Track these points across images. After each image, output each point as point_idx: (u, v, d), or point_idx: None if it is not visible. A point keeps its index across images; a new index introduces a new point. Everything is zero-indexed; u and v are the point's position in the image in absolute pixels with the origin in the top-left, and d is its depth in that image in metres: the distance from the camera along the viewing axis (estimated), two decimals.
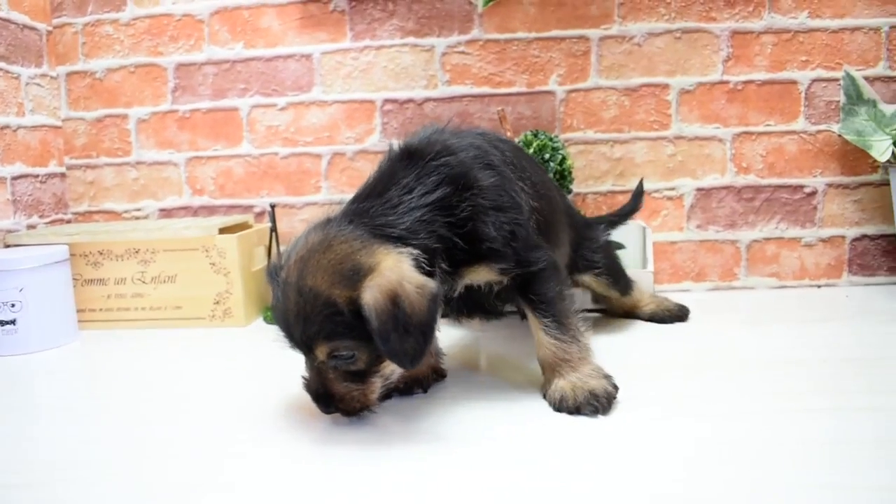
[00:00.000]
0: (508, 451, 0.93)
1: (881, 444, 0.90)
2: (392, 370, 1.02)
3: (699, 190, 1.88)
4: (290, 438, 1.01)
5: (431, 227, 1.01)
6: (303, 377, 1.02)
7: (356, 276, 0.93)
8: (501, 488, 0.82)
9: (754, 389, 1.12)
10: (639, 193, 1.65)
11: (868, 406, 1.04)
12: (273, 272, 1.02)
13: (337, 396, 1.00)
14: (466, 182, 1.04)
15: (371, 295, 0.91)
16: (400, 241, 0.98)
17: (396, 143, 1.11)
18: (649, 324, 1.58)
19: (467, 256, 1.04)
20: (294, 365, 1.37)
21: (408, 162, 1.06)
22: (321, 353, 0.96)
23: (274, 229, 1.76)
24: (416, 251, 0.97)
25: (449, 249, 1.03)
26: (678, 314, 1.59)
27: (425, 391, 1.18)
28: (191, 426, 1.08)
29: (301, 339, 0.97)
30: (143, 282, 1.74)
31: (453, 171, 1.04)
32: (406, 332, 0.91)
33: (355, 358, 0.97)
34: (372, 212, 1.01)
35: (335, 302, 0.92)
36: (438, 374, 1.23)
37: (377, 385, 1.02)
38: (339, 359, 0.97)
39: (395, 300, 0.91)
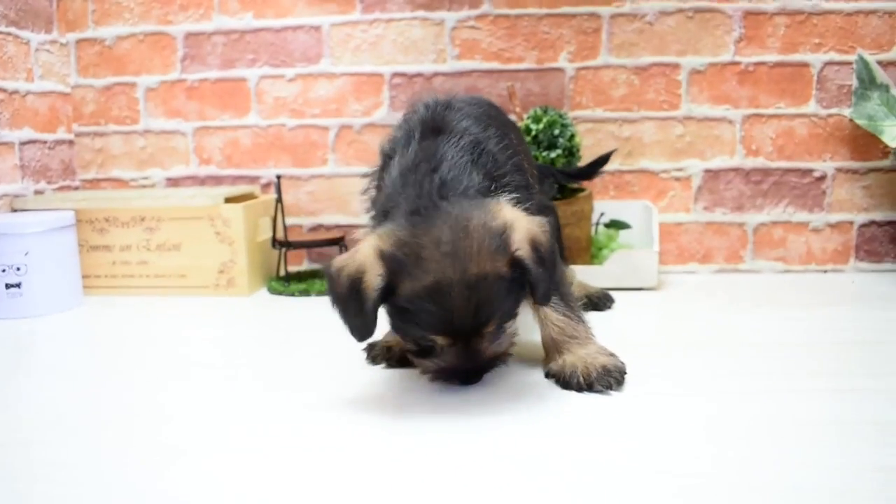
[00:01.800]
0: (529, 424, 0.93)
1: (883, 425, 0.90)
2: (515, 324, 1.05)
3: (707, 171, 1.87)
4: (288, 406, 1.02)
5: (487, 182, 1.05)
6: (437, 370, 1.01)
7: (501, 240, 0.95)
8: (524, 460, 0.83)
9: (757, 370, 1.12)
10: (601, 161, 1.64)
11: (870, 388, 1.03)
12: (384, 292, 0.95)
13: (489, 362, 1.01)
14: (501, 156, 1.11)
15: (524, 250, 0.95)
16: (489, 193, 1.03)
17: (416, 125, 1.11)
18: (649, 305, 1.57)
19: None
20: (296, 336, 1.38)
21: (436, 136, 1.08)
22: (490, 327, 0.97)
23: (279, 200, 1.76)
24: (509, 196, 1.03)
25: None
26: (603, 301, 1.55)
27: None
28: (189, 392, 1.09)
29: (472, 327, 0.95)
30: (148, 249, 1.74)
31: (473, 138, 1.08)
32: (546, 267, 0.98)
33: (506, 323, 1.01)
34: (450, 182, 1.01)
35: (501, 275, 0.94)
36: None
37: (510, 340, 1.04)
38: (499, 329, 0.99)
39: (534, 244, 0.97)
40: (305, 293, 1.70)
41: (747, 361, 1.16)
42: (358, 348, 1.27)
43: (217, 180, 1.99)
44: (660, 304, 1.58)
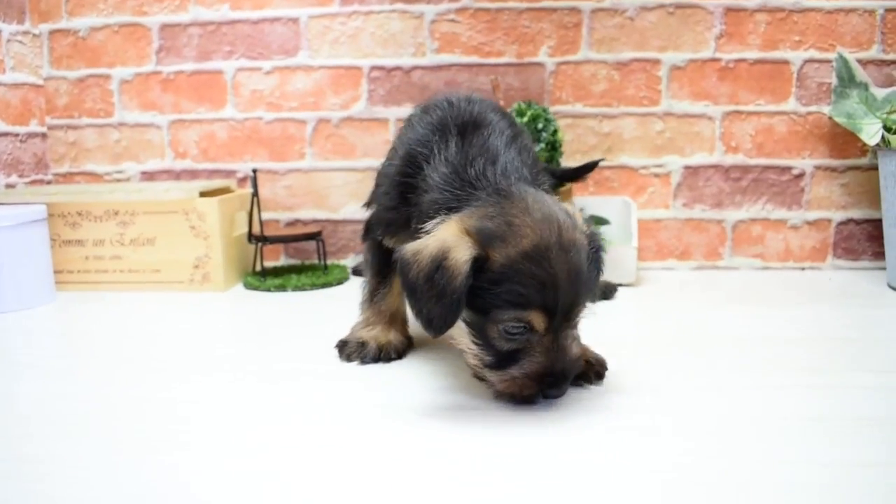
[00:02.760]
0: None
1: (860, 421, 0.90)
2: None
3: (687, 168, 1.86)
4: (265, 402, 1.00)
5: (531, 174, 1.04)
6: (508, 376, 0.91)
7: (574, 218, 0.94)
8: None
9: (737, 367, 1.12)
10: (589, 167, 1.59)
11: (849, 384, 1.04)
12: (474, 265, 0.87)
13: (575, 362, 0.93)
14: (533, 154, 1.13)
15: (590, 229, 0.96)
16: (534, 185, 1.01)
17: (448, 124, 1.07)
18: (628, 301, 1.57)
19: None
20: (272, 332, 1.37)
21: (481, 133, 1.05)
22: (581, 309, 0.92)
23: (255, 195, 1.74)
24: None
25: None
26: (610, 290, 1.62)
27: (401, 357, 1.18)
28: (164, 388, 1.06)
29: (571, 301, 0.89)
30: (122, 244, 1.72)
31: (509, 133, 1.07)
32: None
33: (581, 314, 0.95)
34: (511, 172, 0.99)
35: (585, 247, 0.92)
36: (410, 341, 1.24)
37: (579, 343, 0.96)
38: (579, 319, 0.94)
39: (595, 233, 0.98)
40: (282, 288, 1.68)
41: (726, 358, 1.16)
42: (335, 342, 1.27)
43: (193, 174, 1.96)
44: (638, 301, 1.57)
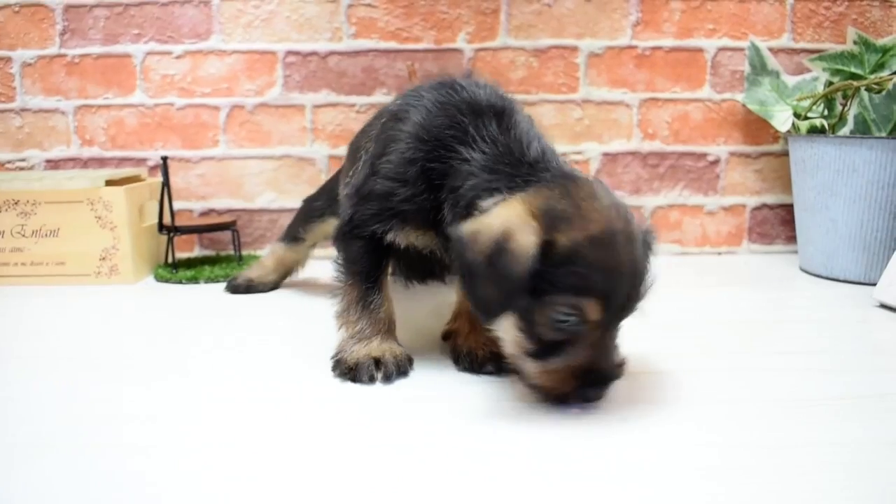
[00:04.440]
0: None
1: (777, 402, 0.92)
2: None
3: (606, 155, 1.87)
4: (173, 398, 0.96)
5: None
6: (546, 372, 0.86)
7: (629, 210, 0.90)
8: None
9: (655, 350, 1.13)
10: None
11: (765, 366, 1.06)
12: (541, 252, 0.81)
13: (617, 367, 0.89)
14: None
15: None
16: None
17: (481, 102, 0.99)
18: None
19: None
20: (186, 325, 1.32)
21: (516, 117, 0.99)
22: (633, 309, 0.88)
23: (166, 183, 1.67)
24: None
25: None
26: None
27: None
28: (66, 386, 1.01)
29: (632, 294, 0.86)
30: (24, 235, 1.63)
31: (528, 115, 1.04)
32: None
33: None
34: (549, 154, 0.94)
35: (642, 240, 0.89)
36: None
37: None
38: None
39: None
40: (194, 280, 1.63)
41: (645, 342, 1.16)
42: (249, 335, 1.23)
43: (101, 162, 1.88)
44: None
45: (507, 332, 0.88)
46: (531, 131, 0.97)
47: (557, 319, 0.82)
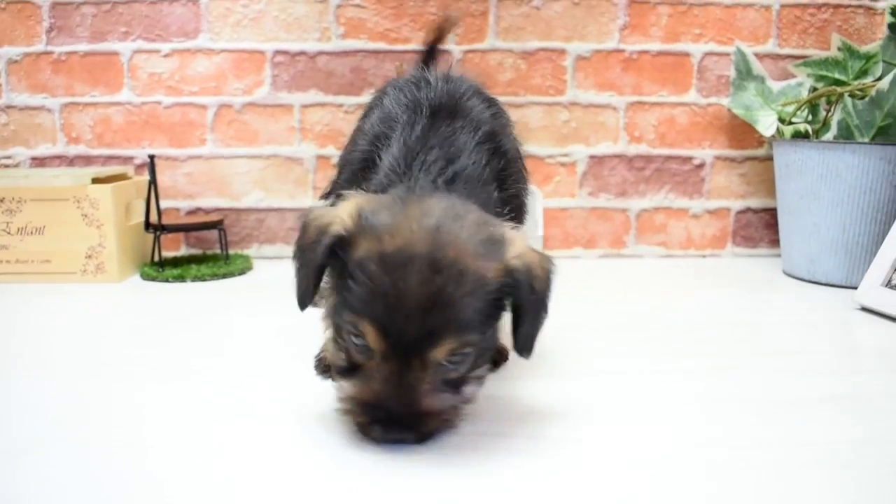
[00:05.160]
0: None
1: (756, 403, 0.93)
2: (483, 378, 0.82)
3: (592, 157, 1.88)
4: (160, 399, 0.96)
5: (492, 202, 0.91)
6: (349, 398, 0.77)
7: (500, 247, 0.76)
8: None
9: (642, 351, 1.14)
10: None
11: (749, 367, 1.07)
12: (335, 242, 0.77)
13: (430, 414, 0.75)
14: (510, 154, 0.99)
15: (520, 265, 0.76)
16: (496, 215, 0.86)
17: (423, 97, 0.96)
18: None
19: None
20: (172, 324, 1.31)
21: (454, 122, 0.93)
22: (442, 351, 0.73)
23: (153, 182, 1.67)
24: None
25: None
26: None
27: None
28: (51, 386, 1.01)
29: (417, 332, 0.71)
30: (9, 233, 1.62)
31: (500, 142, 0.96)
32: (539, 309, 0.79)
33: (467, 360, 0.76)
34: (458, 182, 0.86)
35: (483, 278, 0.73)
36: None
37: (471, 396, 0.80)
38: (452, 362, 0.75)
39: (531, 273, 0.77)
40: (180, 279, 1.62)
41: (632, 344, 1.18)
42: (238, 335, 1.23)
43: (87, 160, 1.87)
44: None
45: (327, 340, 0.85)
46: (453, 143, 0.90)
47: (351, 337, 0.76)
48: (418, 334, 0.71)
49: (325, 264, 0.78)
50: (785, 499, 0.68)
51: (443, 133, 0.91)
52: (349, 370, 0.77)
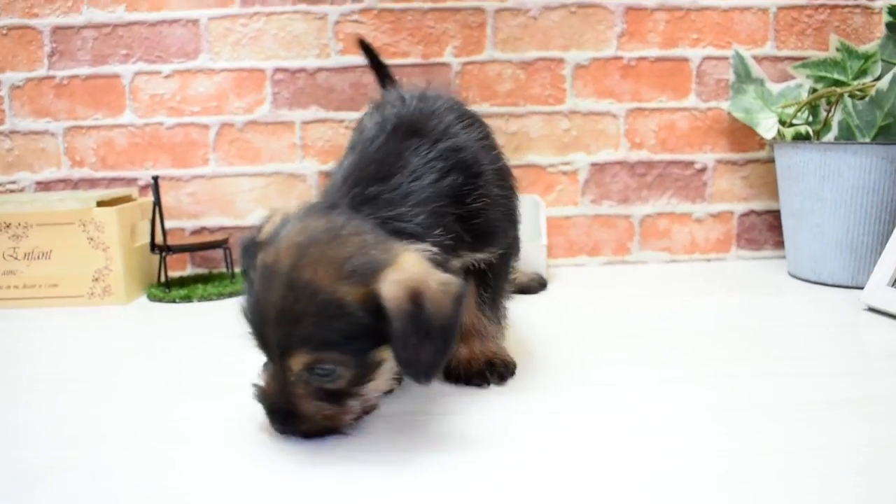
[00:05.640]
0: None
1: (766, 408, 0.93)
2: (373, 391, 0.87)
3: (593, 165, 1.89)
4: (170, 418, 0.96)
5: (443, 221, 0.91)
6: (255, 384, 0.86)
7: (370, 271, 0.78)
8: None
9: (651, 359, 1.14)
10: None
11: (759, 372, 1.07)
12: (248, 249, 0.87)
13: (302, 416, 0.83)
14: (476, 169, 0.98)
15: (392, 290, 0.77)
16: (415, 237, 0.86)
17: (390, 115, 0.99)
18: (540, 298, 1.58)
19: (470, 246, 0.98)
20: (180, 344, 1.32)
21: (409, 140, 0.95)
22: (297, 363, 0.79)
23: (157, 203, 1.68)
24: (433, 248, 0.86)
25: (457, 242, 0.94)
26: (540, 282, 1.65)
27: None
28: (64, 409, 1.01)
29: (277, 342, 0.80)
30: (16, 258, 1.63)
31: (464, 157, 0.96)
32: (427, 337, 0.77)
33: (336, 375, 0.81)
34: (380, 200, 0.88)
35: (337, 301, 0.77)
36: None
37: (355, 408, 0.86)
38: (318, 374, 0.80)
39: (416, 298, 0.77)
40: (187, 299, 1.63)
41: (640, 351, 1.18)
42: (248, 354, 1.23)
43: (91, 183, 1.88)
44: (551, 298, 1.59)
45: None
46: (401, 156, 0.93)
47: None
48: (277, 344, 0.80)
49: (246, 269, 0.88)
50: None
51: (391, 150, 0.94)
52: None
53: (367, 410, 0.90)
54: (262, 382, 0.86)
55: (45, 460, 0.83)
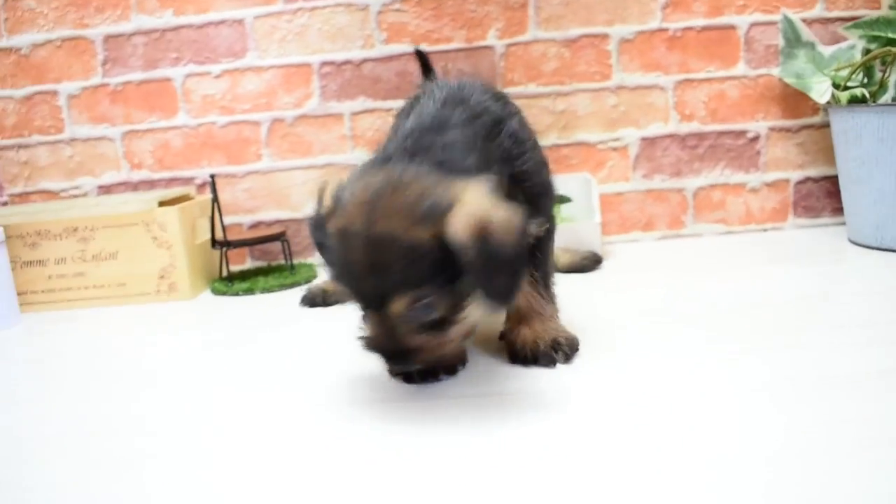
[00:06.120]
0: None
1: (830, 380, 0.92)
2: (472, 318, 0.92)
3: (644, 139, 1.87)
4: (247, 412, 1.00)
5: (497, 169, 0.97)
6: (363, 337, 0.92)
7: (437, 212, 0.83)
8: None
9: (713, 334, 1.13)
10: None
11: (825, 342, 1.05)
12: (317, 224, 0.93)
13: (413, 350, 0.90)
14: (522, 136, 1.05)
15: (460, 228, 0.82)
16: (472, 173, 0.92)
17: (437, 94, 1.05)
18: (596, 276, 1.58)
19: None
20: (252, 335, 1.36)
21: (457, 108, 1.01)
22: (399, 306, 0.86)
23: (215, 200, 1.72)
24: (493, 180, 0.91)
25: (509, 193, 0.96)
26: (594, 260, 1.64)
27: (454, 374, 1.06)
28: (149, 402, 1.05)
29: (374, 293, 0.87)
30: (84, 260, 1.70)
31: (509, 125, 1.03)
32: (498, 266, 0.84)
33: (432, 307, 0.87)
34: (434, 148, 0.93)
35: (417, 244, 0.83)
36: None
37: (458, 334, 0.92)
38: (417, 310, 0.87)
39: (483, 232, 0.82)
40: (250, 291, 1.67)
41: (701, 327, 1.17)
42: (313, 342, 1.26)
43: (150, 184, 1.94)
44: (607, 275, 1.59)
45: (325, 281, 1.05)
46: (450, 116, 0.98)
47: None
48: (373, 294, 0.87)
49: (320, 242, 0.93)
50: (872, 478, 0.68)
51: (443, 114, 1.00)
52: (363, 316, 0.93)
53: (466, 335, 0.95)
54: (366, 333, 0.92)
55: (136, 451, 0.87)
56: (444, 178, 0.87)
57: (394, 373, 1.01)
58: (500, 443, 0.81)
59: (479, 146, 0.97)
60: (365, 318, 0.92)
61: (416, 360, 0.92)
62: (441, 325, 0.89)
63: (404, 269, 0.84)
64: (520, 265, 0.87)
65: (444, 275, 0.85)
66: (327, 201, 0.92)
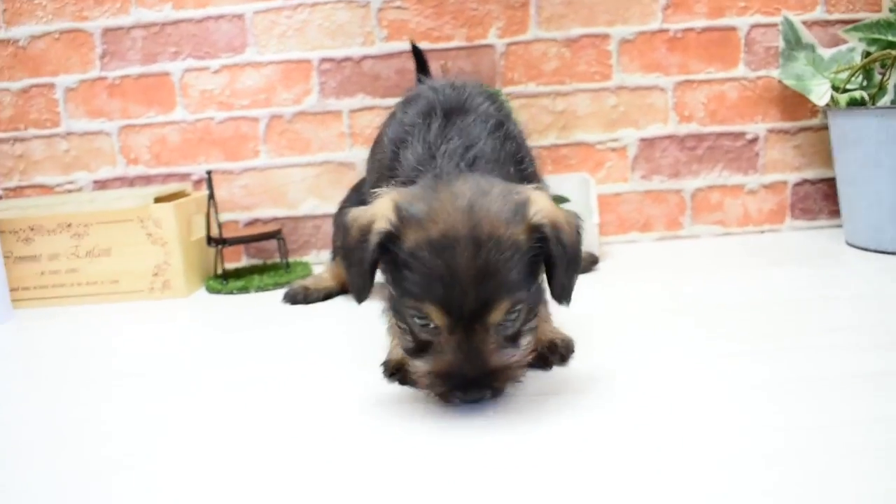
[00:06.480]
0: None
1: (825, 382, 0.91)
2: (535, 325, 0.92)
3: (643, 140, 1.87)
4: (241, 412, 0.99)
5: (513, 167, 1.02)
6: (424, 373, 0.87)
7: (524, 210, 0.86)
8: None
9: (710, 335, 1.14)
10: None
11: (822, 344, 1.05)
12: (386, 239, 0.86)
13: (496, 370, 0.85)
14: (521, 139, 1.09)
15: (544, 221, 0.86)
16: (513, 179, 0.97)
17: (433, 101, 1.06)
18: (594, 276, 1.58)
19: None
20: (239, 335, 1.35)
21: (463, 117, 1.02)
22: (499, 313, 0.84)
23: (212, 197, 1.71)
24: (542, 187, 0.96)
25: None
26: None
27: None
28: (135, 402, 1.05)
29: (477, 300, 0.82)
30: (78, 256, 1.68)
31: (509, 128, 1.06)
32: (571, 260, 0.88)
33: (518, 315, 0.87)
34: (479, 162, 0.96)
35: (516, 242, 0.83)
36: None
37: (527, 347, 0.90)
38: (511, 318, 0.86)
39: (556, 227, 0.87)
40: (244, 290, 1.66)
41: (699, 327, 1.18)
42: (305, 342, 1.25)
43: (147, 180, 1.92)
44: (604, 276, 1.58)
45: (392, 328, 0.96)
46: (469, 133, 0.99)
47: (415, 320, 0.86)
48: (476, 304, 0.82)
49: (377, 260, 0.88)
50: (864, 479, 0.68)
51: (458, 126, 1.00)
52: (418, 349, 0.88)
53: (533, 350, 0.93)
54: (429, 365, 0.86)
55: (127, 451, 0.86)
56: (510, 185, 0.90)
57: (465, 400, 0.89)
58: (496, 444, 0.81)
59: (501, 156, 1.00)
60: (420, 353, 0.88)
61: (494, 385, 0.87)
62: (516, 338, 0.88)
63: (510, 269, 0.83)
64: (580, 261, 0.92)
65: (530, 276, 0.87)
66: (392, 219, 0.86)
